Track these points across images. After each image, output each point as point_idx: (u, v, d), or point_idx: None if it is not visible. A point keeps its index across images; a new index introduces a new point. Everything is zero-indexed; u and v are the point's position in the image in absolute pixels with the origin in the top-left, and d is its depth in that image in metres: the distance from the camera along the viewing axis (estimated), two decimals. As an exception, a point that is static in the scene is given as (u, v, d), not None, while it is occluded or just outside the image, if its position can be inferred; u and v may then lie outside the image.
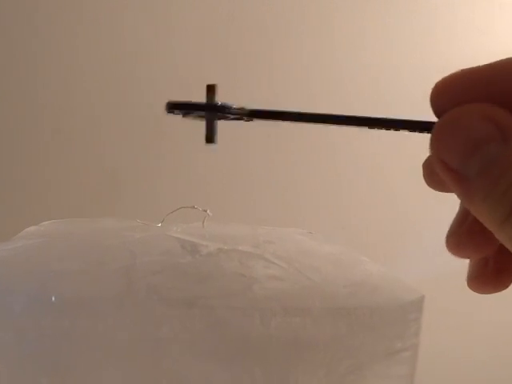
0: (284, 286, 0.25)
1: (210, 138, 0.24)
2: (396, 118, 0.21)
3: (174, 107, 0.24)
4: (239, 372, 0.23)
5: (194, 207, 0.38)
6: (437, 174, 0.20)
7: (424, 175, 0.22)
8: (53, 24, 0.68)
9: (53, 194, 0.69)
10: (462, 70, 0.20)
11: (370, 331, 0.24)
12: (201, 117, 0.24)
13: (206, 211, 0.37)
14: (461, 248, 0.22)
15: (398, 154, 0.76)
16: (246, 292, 0.24)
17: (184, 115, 0.24)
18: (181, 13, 0.71)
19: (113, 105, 0.70)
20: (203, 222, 0.36)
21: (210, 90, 0.24)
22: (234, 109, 0.23)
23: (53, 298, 0.24)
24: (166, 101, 0.24)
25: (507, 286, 0.22)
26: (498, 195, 0.18)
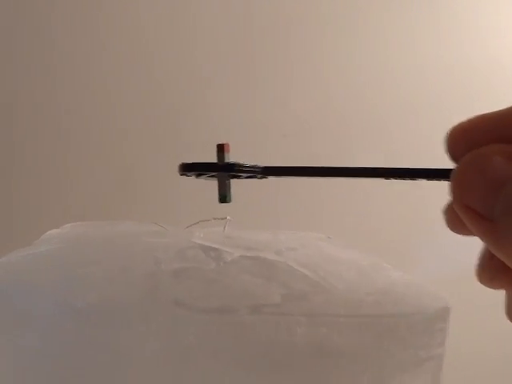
0: (309, 293, 0.25)
1: (223, 197, 0.24)
2: (412, 168, 0.22)
3: (186, 169, 0.23)
4: (264, 381, 0.23)
5: (213, 219, 0.38)
6: (459, 218, 0.19)
7: (446, 221, 0.22)
8: (68, 22, 0.69)
9: (71, 196, 0.69)
10: (478, 116, 0.20)
11: (395, 341, 0.24)
12: (214, 177, 0.24)
13: (225, 218, 0.36)
14: (495, 282, 0.21)
15: (415, 156, 0.75)
16: (270, 300, 0.24)
17: (197, 176, 0.24)
18: (199, 11, 0.72)
19: (132, 108, 0.70)
20: (224, 228, 0.36)
21: (220, 149, 0.23)
22: (247, 167, 0.23)
23: (78, 305, 0.24)
24: (180, 162, 0.24)
25: None
26: None
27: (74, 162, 0.69)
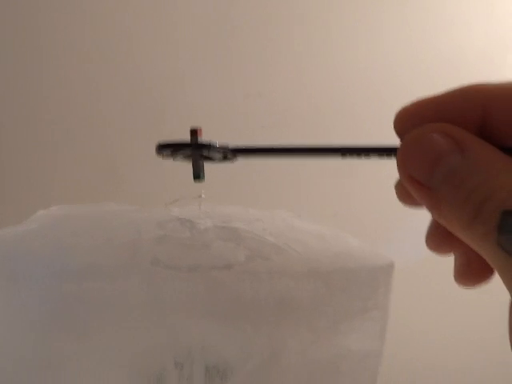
0: (271, 255, 0.29)
1: (196, 175, 0.25)
2: (365, 146, 0.24)
3: (161, 148, 0.26)
4: (232, 328, 0.27)
5: (190, 197, 0.41)
6: (408, 192, 0.22)
7: (397, 195, 0.24)
8: (56, 22, 0.71)
9: (56, 184, 0.72)
10: (421, 98, 0.23)
11: (345, 292, 0.27)
12: (189, 157, 0.26)
13: (200, 196, 0.40)
14: (442, 248, 0.24)
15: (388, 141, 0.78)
16: (237, 260, 0.28)
17: (172, 155, 0.26)
18: (185, 13, 0.74)
19: (114, 96, 0.73)
20: (199, 205, 0.39)
21: (194, 133, 0.26)
22: (218, 146, 0.26)
23: (69, 268, 0.28)
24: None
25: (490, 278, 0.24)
26: (461, 201, 0.20)
27: (56, 148, 0.72)
